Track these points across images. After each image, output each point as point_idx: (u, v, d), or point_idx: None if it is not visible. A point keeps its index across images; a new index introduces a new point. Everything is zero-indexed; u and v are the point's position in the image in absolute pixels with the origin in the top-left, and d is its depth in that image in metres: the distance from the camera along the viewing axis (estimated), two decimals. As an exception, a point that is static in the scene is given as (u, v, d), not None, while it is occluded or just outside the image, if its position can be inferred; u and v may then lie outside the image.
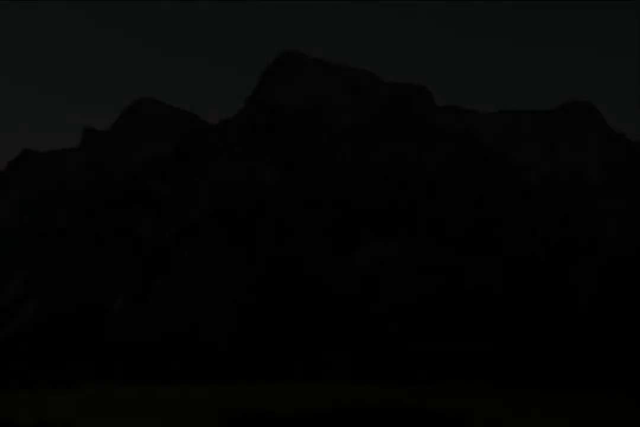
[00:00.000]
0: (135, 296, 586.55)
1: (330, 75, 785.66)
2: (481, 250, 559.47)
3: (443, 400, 72.29)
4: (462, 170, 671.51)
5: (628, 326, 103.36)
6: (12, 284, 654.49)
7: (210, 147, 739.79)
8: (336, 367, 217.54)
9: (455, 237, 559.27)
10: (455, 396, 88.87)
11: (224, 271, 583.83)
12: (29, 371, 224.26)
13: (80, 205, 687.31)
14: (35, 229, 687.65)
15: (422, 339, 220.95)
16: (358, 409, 40.43)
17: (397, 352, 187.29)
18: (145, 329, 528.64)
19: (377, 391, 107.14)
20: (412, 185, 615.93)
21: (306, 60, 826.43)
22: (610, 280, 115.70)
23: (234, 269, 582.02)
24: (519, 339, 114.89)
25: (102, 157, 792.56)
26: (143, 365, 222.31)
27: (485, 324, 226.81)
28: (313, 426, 37.62)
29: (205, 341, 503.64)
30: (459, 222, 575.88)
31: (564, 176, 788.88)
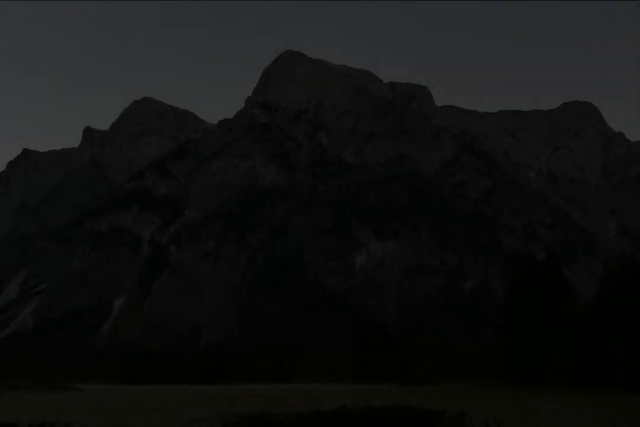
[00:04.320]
0: (135, 296, 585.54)
1: (330, 75, 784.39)
2: (481, 250, 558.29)
3: (443, 400, 72.16)
4: (462, 170, 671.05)
5: (628, 326, 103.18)
6: (12, 284, 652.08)
7: (210, 147, 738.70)
8: (336, 367, 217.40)
9: (455, 237, 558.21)
10: (455, 396, 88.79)
11: (224, 270, 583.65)
12: (28, 371, 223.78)
13: (80, 205, 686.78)
14: (35, 229, 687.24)
15: (422, 339, 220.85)
16: (358, 409, 40.34)
17: (397, 352, 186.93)
18: (145, 329, 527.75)
19: (377, 391, 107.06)
20: (412, 185, 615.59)
21: (306, 60, 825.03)
22: (610, 280, 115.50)
23: (233, 268, 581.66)
24: (519, 339, 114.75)
25: (102, 157, 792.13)
26: (143, 365, 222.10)
27: (485, 324, 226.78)
28: (313, 426, 37.55)
29: (205, 341, 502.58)
30: (459, 222, 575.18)
31: (564, 176, 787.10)
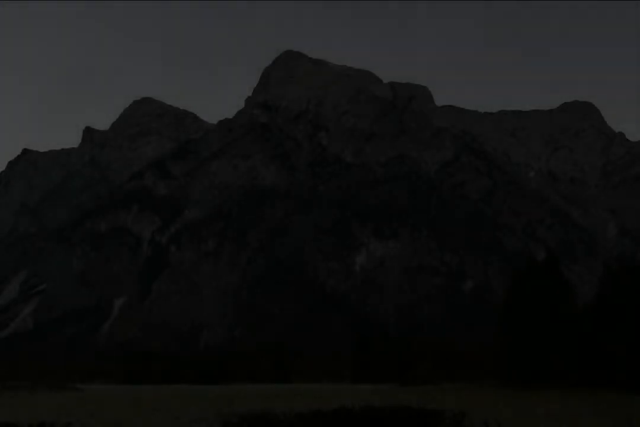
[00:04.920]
0: (135, 296, 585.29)
1: (330, 75, 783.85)
2: (481, 250, 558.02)
3: (443, 400, 72.16)
4: (462, 170, 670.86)
5: (628, 326, 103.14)
6: (12, 284, 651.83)
7: (210, 147, 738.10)
8: (336, 367, 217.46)
9: (455, 237, 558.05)
10: (455, 396, 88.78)
11: (224, 270, 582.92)
12: (28, 371, 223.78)
13: (80, 205, 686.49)
14: (35, 229, 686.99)
15: (422, 339, 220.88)
16: (358, 409, 40.35)
17: (397, 352, 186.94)
18: (145, 329, 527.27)
19: (377, 391, 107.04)
20: (412, 185, 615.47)
21: (306, 60, 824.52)
22: (610, 280, 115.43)
23: (233, 268, 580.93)
24: (519, 339, 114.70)
25: (102, 157, 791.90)
26: (143, 365, 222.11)
27: (485, 324, 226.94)
28: (313, 426, 37.55)
29: (205, 341, 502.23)
30: (459, 222, 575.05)
31: (564, 176, 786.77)
